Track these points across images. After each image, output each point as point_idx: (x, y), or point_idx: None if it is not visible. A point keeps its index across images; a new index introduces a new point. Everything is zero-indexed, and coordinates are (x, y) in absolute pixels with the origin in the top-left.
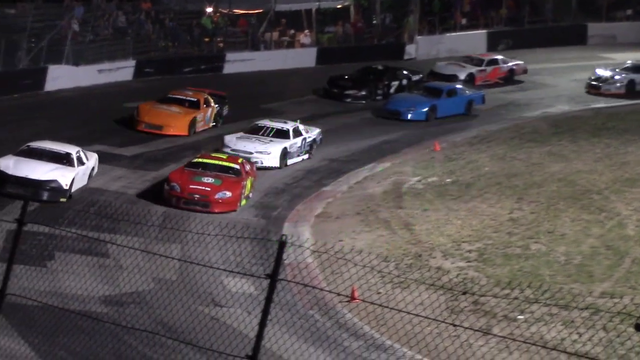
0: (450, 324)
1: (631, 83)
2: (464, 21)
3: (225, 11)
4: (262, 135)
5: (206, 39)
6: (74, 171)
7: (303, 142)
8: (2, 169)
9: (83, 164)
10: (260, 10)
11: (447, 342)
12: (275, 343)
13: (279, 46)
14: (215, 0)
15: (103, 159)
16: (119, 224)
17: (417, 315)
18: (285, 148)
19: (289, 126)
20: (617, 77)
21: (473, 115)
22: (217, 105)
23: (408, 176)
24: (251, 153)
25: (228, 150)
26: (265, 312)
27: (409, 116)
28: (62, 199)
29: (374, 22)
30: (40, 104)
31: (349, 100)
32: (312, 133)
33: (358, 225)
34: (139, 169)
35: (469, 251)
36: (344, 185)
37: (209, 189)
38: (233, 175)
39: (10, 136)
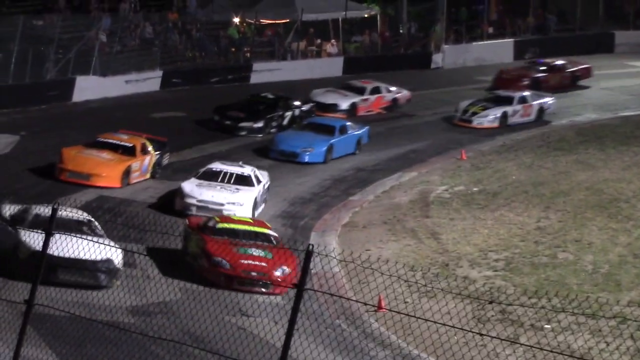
0: (477, 334)
1: (504, 115)
2: (490, 30)
3: (251, 21)
4: (221, 181)
5: (233, 49)
6: (113, 243)
7: (263, 189)
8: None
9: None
10: (287, 20)
11: (474, 351)
12: (302, 353)
13: (306, 56)
14: (242, 10)
15: None
16: (146, 234)
17: (444, 324)
18: (256, 198)
19: (249, 171)
20: (489, 109)
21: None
22: (156, 153)
23: (435, 185)
24: (222, 205)
25: (193, 201)
26: (292, 322)
27: (307, 158)
28: (116, 282)
29: (401, 31)
30: (68, 115)
31: (244, 133)
32: (265, 177)
33: (385, 235)
34: (167, 180)
35: (496, 260)
36: (371, 195)
37: (265, 265)
38: (273, 245)
39: (39, 147)
